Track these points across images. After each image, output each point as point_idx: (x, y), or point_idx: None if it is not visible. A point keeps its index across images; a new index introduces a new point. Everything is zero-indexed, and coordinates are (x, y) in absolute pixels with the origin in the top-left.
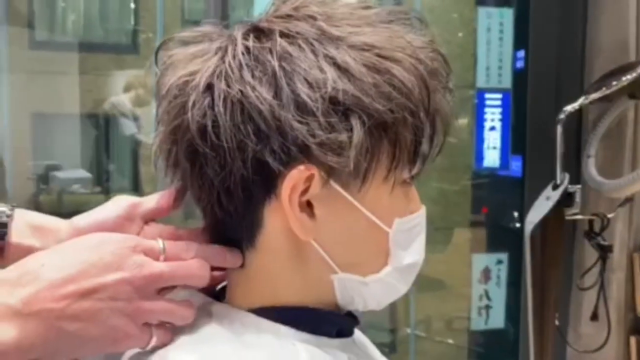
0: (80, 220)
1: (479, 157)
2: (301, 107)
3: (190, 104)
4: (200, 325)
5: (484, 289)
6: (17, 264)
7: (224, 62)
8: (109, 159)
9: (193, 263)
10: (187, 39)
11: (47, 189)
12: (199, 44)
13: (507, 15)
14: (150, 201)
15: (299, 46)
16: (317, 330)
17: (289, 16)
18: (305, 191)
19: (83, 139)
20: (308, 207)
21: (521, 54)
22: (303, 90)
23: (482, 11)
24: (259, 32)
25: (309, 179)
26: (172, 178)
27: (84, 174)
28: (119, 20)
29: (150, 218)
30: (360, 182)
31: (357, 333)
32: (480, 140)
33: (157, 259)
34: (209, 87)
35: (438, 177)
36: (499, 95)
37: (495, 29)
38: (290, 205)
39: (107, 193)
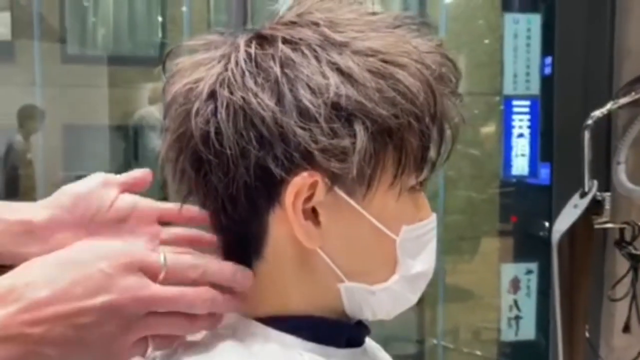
0: (66, 188)
1: (507, 165)
2: (303, 113)
3: (194, 111)
4: (207, 333)
5: (513, 299)
6: (6, 276)
7: (227, 69)
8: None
9: (199, 294)
10: (194, 47)
11: None
12: (205, 52)
13: (535, 21)
14: (126, 175)
15: (302, 52)
16: (324, 339)
17: (292, 23)
18: (309, 198)
19: (112, 150)
20: (313, 214)
21: (549, 60)
22: (305, 97)
23: (509, 17)
24: (261, 39)
25: (313, 185)
26: (179, 184)
27: None
28: (147, 34)
29: (125, 189)
30: (365, 188)
31: (370, 342)
32: (508, 147)
33: (156, 276)
34: (212, 95)
35: (465, 186)
36: (527, 102)
37: (523, 35)
38: (294, 212)
39: None
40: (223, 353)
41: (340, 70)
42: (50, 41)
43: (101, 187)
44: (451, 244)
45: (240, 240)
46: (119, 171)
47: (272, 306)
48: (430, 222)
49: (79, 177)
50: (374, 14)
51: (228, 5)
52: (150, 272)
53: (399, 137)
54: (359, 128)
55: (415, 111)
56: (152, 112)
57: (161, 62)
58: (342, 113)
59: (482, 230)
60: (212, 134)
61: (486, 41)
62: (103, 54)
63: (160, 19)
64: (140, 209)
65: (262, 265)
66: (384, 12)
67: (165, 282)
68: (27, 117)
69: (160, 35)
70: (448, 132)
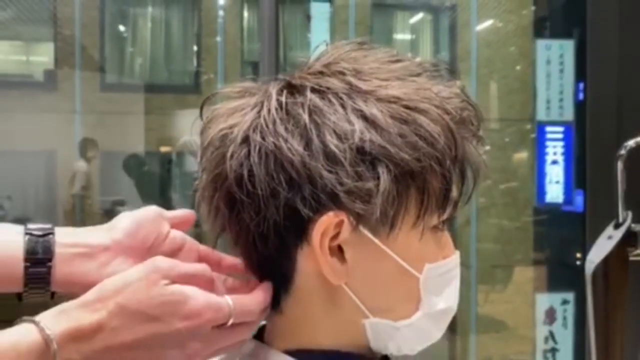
0: (127, 215)
1: (541, 192)
2: (330, 157)
3: (229, 154)
4: None
5: (549, 331)
6: (92, 307)
7: (259, 116)
8: (170, 195)
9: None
10: (229, 94)
11: None
12: (240, 98)
13: (567, 47)
14: (174, 213)
15: (329, 100)
16: None
17: (320, 72)
18: (335, 236)
19: (146, 175)
20: (339, 251)
21: (583, 85)
22: (332, 142)
23: (541, 43)
24: (292, 88)
25: (339, 224)
26: (213, 221)
27: None
28: (182, 63)
29: (172, 226)
30: (389, 228)
31: None
32: (541, 174)
33: (225, 322)
34: (246, 140)
35: (497, 214)
36: (561, 129)
37: (555, 61)
38: (321, 249)
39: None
40: None
41: (364, 117)
42: (91, 70)
43: (158, 219)
44: (484, 273)
45: (271, 276)
46: (154, 196)
47: (300, 339)
48: (452, 260)
49: (115, 202)
50: (397, 61)
51: (260, 34)
52: (221, 322)
53: (421, 179)
54: (382, 171)
55: (437, 155)
56: (195, 140)
57: (195, 90)
58: (367, 157)
59: (516, 259)
60: (245, 176)
61: (518, 67)
62: (140, 82)
63: (195, 48)
64: (189, 246)
65: (291, 300)
66: (407, 59)
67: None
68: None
69: (195, 64)
70: (470, 174)
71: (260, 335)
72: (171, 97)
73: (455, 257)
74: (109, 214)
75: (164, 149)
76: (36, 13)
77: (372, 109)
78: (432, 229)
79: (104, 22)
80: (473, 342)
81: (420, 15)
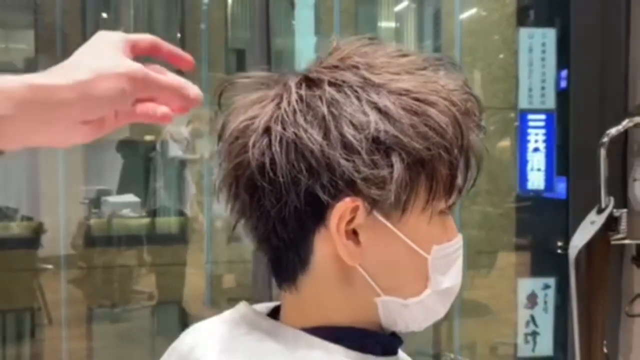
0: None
1: (523, 179)
2: (347, 147)
3: (250, 144)
4: (258, 341)
5: (530, 315)
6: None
7: (279, 108)
8: (155, 183)
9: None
10: (244, 83)
11: (98, 213)
12: (257, 90)
13: (550, 35)
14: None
15: (345, 93)
16: (363, 348)
17: (335, 67)
18: (351, 221)
19: (132, 164)
20: (354, 235)
21: (564, 73)
22: (349, 132)
23: (524, 32)
24: (309, 81)
25: (355, 209)
26: (232, 207)
27: (132, 198)
28: None
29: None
30: (401, 212)
31: (402, 354)
32: (523, 162)
33: None
34: (267, 130)
35: (481, 201)
36: (543, 116)
37: (538, 50)
38: (337, 233)
39: (154, 216)
40: (269, 355)
41: (378, 109)
42: None
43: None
44: (468, 259)
45: (289, 258)
46: (138, 186)
47: (315, 317)
48: (457, 242)
49: (100, 191)
50: (404, 56)
51: (251, 21)
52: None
53: (430, 167)
54: (395, 159)
55: (445, 144)
56: (179, 130)
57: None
58: (381, 146)
59: (499, 245)
60: (267, 164)
61: (501, 56)
62: None
63: (179, 35)
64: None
65: (308, 281)
66: (413, 53)
67: None
68: None
69: None
70: (474, 161)
71: (275, 316)
72: None
73: (458, 239)
74: (94, 203)
75: (148, 137)
76: None
77: (385, 101)
78: (439, 213)
79: (85, 9)
80: (457, 325)
81: (404, 3)
